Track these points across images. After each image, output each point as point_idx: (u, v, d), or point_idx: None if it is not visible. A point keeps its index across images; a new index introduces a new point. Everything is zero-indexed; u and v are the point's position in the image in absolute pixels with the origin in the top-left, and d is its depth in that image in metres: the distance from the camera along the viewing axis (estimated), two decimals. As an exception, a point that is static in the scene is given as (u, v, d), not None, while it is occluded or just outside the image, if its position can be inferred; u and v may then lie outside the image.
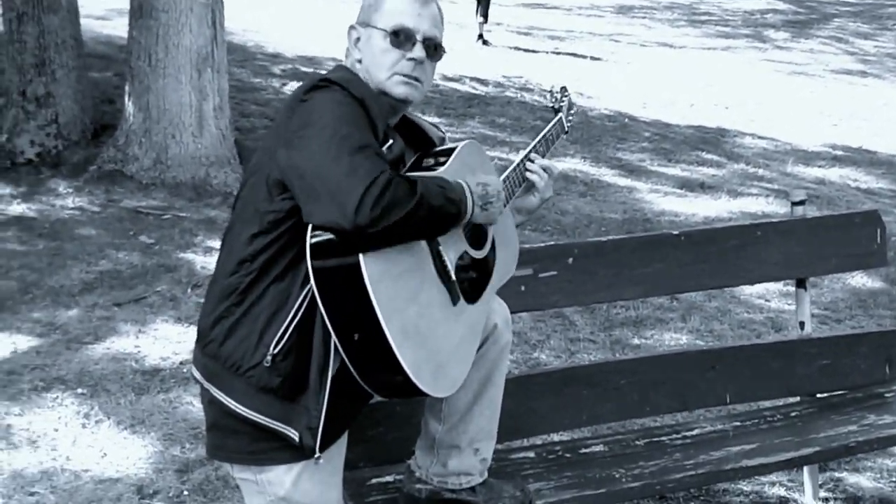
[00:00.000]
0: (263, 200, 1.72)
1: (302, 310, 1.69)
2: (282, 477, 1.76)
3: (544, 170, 2.11)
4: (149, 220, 5.61)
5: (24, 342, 4.00)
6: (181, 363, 3.83)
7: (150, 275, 4.79)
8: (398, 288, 1.66)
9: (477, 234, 1.97)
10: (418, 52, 1.84)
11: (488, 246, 1.99)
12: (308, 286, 1.67)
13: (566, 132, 2.40)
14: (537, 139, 2.22)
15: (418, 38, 1.85)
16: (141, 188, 6.10)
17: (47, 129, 6.67)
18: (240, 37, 11.27)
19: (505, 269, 2.07)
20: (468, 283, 1.89)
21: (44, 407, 3.45)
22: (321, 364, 1.69)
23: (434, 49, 1.88)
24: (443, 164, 1.87)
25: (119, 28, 8.79)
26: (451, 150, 1.94)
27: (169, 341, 4.04)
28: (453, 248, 1.85)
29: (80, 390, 3.59)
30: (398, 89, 1.84)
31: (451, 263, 1.81)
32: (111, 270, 4.83)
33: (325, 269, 1.64)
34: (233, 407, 1.72)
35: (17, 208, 5.76)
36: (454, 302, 1.83)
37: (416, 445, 2.15)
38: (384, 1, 1.87)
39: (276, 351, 1.68)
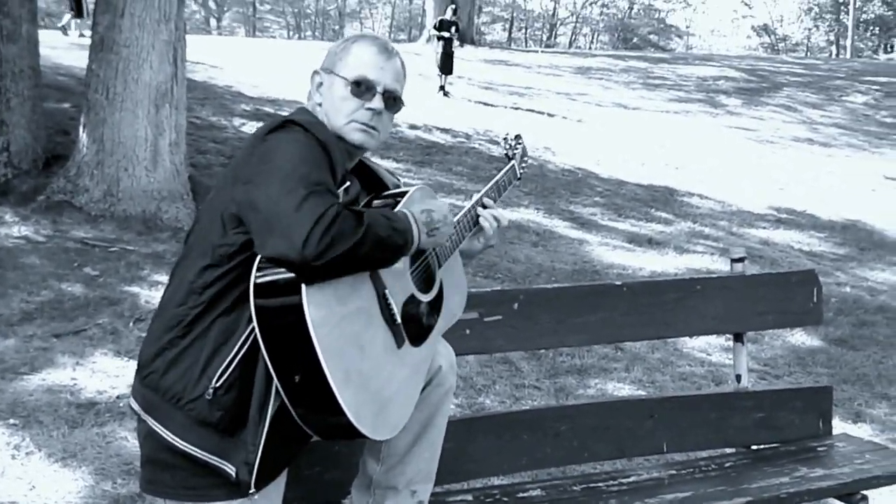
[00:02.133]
0: (217, 234, 1.73)
1: (247, 344, 1.69)
2: None
3: (495, 218, 2.15)
4: (95, 252, 5.53)
5: (-44, 370, 3.89)
6: (118, 397, 3.75)
7: (93, 307, 4.71)
8: (342, 331, 1.66)
9: (425, 278, 1.99)
10: (377, 103, 1.90)
11: (436, 289, 2.00)
12: (254, 321, 1.66)
13: (518, 179, 2.44)
14: (489, 185, 2.25)
15: (378, 90, 1.91)
16: (89, 220, 6.03)
17: (-3, 157, 6.58)
18: (201, 74, 11.30)
19: (452, 312, 2.09)
20: (414, 325, 1.89)
21: (-28, 437, 3.35)
22: (262, 399, 1.69)
23: (393, 101, 1.94)
24: (395, 205, 1.91)
25: (80, 61, 8.75)
26: (404, 192, 1.98)
27: (107, 375, 3.96)
28: (400, 291, 1.86)
29: (11, 421, 3.49)
30: (355, 136, 1.90)
31: (396, 306, 1.82)
32: (52, 301, 4.75)
33: (268, 310, 1.64)
34: (170, 439, 1.71)
35: (-40, 235, 5.65)
36: (399, 345, 1.83)
37: (352, 485, 2.14)
38: (349, 51, 1.94)
39: (218, 384, 1.68)
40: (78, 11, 12.91)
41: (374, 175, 2.06)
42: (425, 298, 1.95)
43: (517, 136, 2.49)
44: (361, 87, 1.89)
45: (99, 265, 5.31)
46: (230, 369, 1.68)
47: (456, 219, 2.07)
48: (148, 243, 5.79)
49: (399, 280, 1.84)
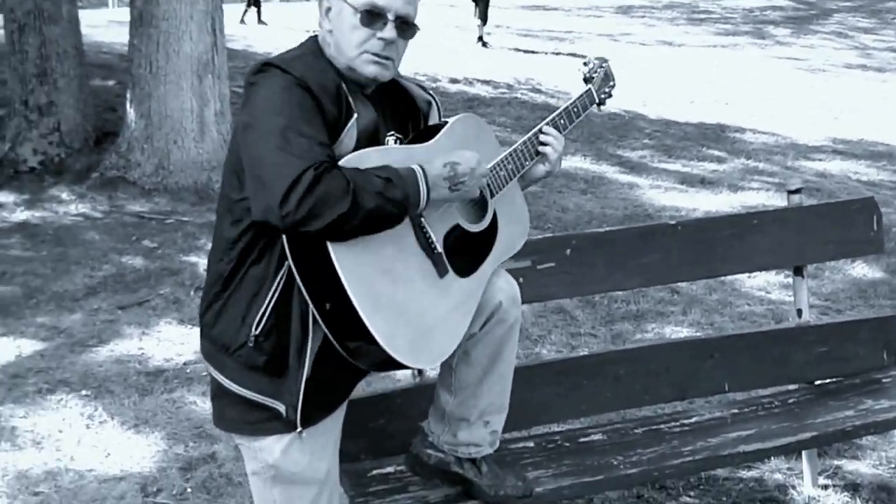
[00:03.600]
0: (234, 189, 1.76)
1: (279, 291, 1.73)
2: (272, 446, 1.82)
3: (556, 139, 2.08)
4: (151, 225, 5.65)
5: (28, 346, 4.03)
6: (184, 364, 3.85)
7: (154, 278, 4.82)
8: (367, 258, 1.67)
9: (475, 207, 1.96)
10: (389, 32, 1.79)
11: (487, 220, 1.96)
12: (283, 269, 1.71)
13: (599, 104, 2.27)
14: (559, 111, 2.15)
15: (390, 16, 1.78)
16: (143, 193, 6.15)
17: (49, 138, 6.73)
18: (239, 43, 11.34)
19: (508, 244, 2.04)
20: (460, 256, 1.87)
21: (48, 409, 3.48)
22: (299, 343, 1.74)
23: (406, 27, 1.82)
24: (432, 138, 1.86)
25: (120, 37, 8.85)
26: (439, 127, 1.90)
27: (172, 343, 4.07)
28: (441, 221, 1.84)
29: (84, 392, 3.62)
30: (368, 69, 1.80)
31: (435, 236, 1.81)
32: (114, 274, 4.87)
33: (297, 242, 1.67)
34: (226, 384, 1.81)
35: (21, 215, 5.81)
36: (441, 274, 1.82)
37: (429, 413, 2.17)
38: None
39: (257, 332, 1.74)
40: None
41: (404, 94, 1.96)
42: (474, 229, 1.93)
43: (601, 59, 2.34)
44: (372, 16, 1.77)
45: (157, 237, 5.43)
46: (266, 316, 1.74)
47: (511, 149, 2.02)
48: (202, 213, 5.89)
49: (439, 209, 1.82)
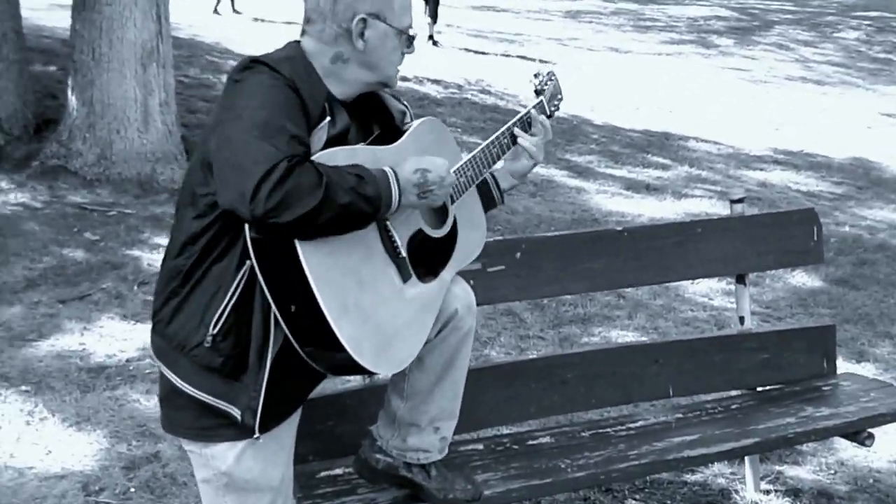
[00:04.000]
0: (200, 183, 1.73)
1: (239, 290, 1.70)
2: (225, 453, 1.79)
3: (542, 127, 2.16)
4: (94, 217, 5.51)
5: (-37, 339, 3.91)
6: (127, 361, 3.78)
7: (96, 272, 4.71)
8: (336, 261, 1.66)
9: (437, 213, 1.97)
10: (413, 47, 1.90)
11: (448, 225, 1.98)
12: (245, 267, 1.69)
13: (549, 116, 2.29)
14: (514, 119, 2.18)
15: (412, 33, 1.89)
16: (85, 184, 5.99)
17: (-13, 124, 6.51)
18: (185, 31, 11.14)
19: (467, 249, 2.06)
20: (423, 261, 1.88)
21: (-15, 404, 3.38)
22: (260, 345, 1.71)
23: None
24: (395, 140, 1.87)
25: (63, 21, 8.60)
26: (404, 131, 1.92)
27: (115, 339, 3.99)
28: (405, 226, 1.85)
29: (23, 387, 3.52)
30: (395, 80, 1.91)
31: (400, 240, 1.82)
32: (55, 267, 4.75)
33: (263, 241, 1.64)
34: (178, 384, 1.76)
35: (-44, 204, 5.62)
36: (404, 279, 1.82)
37: (379, 416, 2.16)
38: None
39: (215, 331, 1.71)
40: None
41: (378, 102, 1.98)
42: (435, 234, 1.94)
43: (550, 73, 2.39)
44: (412, 39, 1.88)
45: (99, 230, 5.30)
46: (225, 316, 1.71)
47: (470, 156, 2.03)
48: (146, 206, 5.77)
49: (403, 213, 1.82)
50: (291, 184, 1.53)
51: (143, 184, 6.10)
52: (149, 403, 3.41)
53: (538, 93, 2.32)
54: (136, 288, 4.51)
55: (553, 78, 2.38)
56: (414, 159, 1.80)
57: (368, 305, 1.72)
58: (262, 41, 11.05)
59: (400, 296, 1.81)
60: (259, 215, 1.53)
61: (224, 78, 9.06)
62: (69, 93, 6.36)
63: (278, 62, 1.73)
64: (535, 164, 2.20)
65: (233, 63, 9.68)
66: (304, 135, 1.67)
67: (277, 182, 1.52)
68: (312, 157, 1.67)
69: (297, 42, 1.86)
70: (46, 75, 7.93)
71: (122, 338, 3.99)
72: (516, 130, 2.15)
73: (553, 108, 2.34)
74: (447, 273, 1.97)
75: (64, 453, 3.09)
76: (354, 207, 1.62)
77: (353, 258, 1.70)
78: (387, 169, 1.72)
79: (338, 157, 1.70)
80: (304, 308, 1.63)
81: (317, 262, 1.61)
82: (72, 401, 3.43)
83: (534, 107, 2.25)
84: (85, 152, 6.19)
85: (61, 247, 5.01)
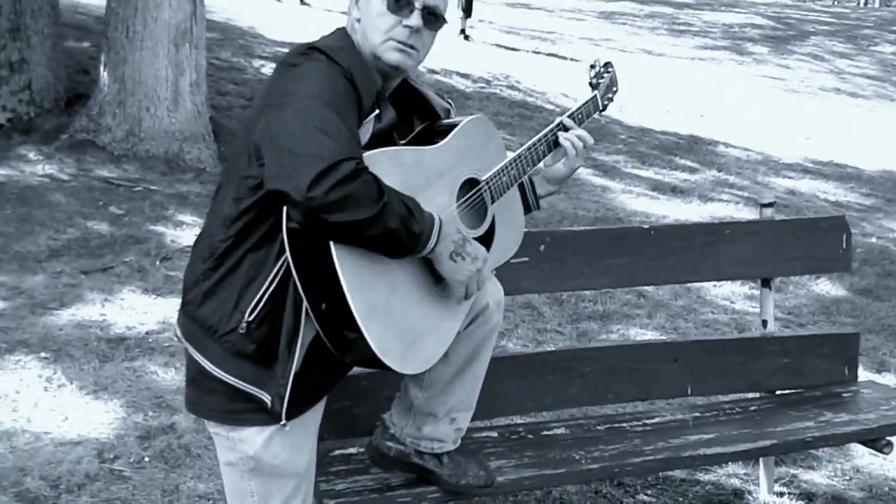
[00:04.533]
0: (244, 165, 1.70)
1: (277, 279, 1.68)
2: (253, 437, 1.77)
3: (579, 138, 2.07)
4: (119, 192, 5.55)
5: (-13, 305, 3.95)
6: (146, 333, 3.80)
7: (119, 245, 4.75)
8: (368, 262, 1.64)
9: (475, 213, 1.93)
10: (415, 20, 1.79)
11: (486, 225, 1.95)
12: (284, 256, 1.66)
13: (602, 111, 2.24)
14: (569, 112, 2.14)
15: (417, 5, 1.79)
16: (112, 159, 6.04)
17: (20, 95, 6.57)
18: (220, 15, 11.19)
19: (503, 250, 2.03)
20: None
21: (5, 369, 3.41)
22: (290, 335, 1.69)
23: (433, 17, 1.82)
24: (441, 139, 1.83)
25: (98, -1, 8.69)
26: (456, 124, 1.89)
27: (135, 311, 4.01)
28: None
29: (43, 354, 3.55)
30: (391, 55, 1.79)
31: None
32: (79, 239, 4.79)
33: (299, 237, 1.63)
34: (209, 368, 1.74)
35: (-14, 172, 5.68)
36: (437, 281, 1.80)
37: (393, 404, 2.15)
38: None
39: (250, 318, 1.69)
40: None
41: (422, 99, 1.95)
42: (473, 234, 1.91)
43: (606, 64, 2.33)
44: (398, 2, 1.77)
45: (124, 204, 5.34)
46: (262, 304, 1.68)
47: (516, 153, 2.00)
48: (171, 184, 5.80)
49: (441, 213, 1.78)
50: (354, 187, 1.51)
51: (169, 161, 6.14)
52: (166, 376, 3.43)
53: (592, 86, 2.26)
54: (158, 263, 4.54)
55: (610, 69, 2.33)
56: (459, 226, 1.80)
57: (398, 307, 1.71)
58: (296, 27, 11.09)
59: (431, 297, 1.79)
60: (315, 207, 1.50)
61: (255, 62, 9.10)
62: (101, 69, 6.41)
63: (336, 52, 1.70)
64: (572, 171, 2.12)
65: (265, 48, 9.72)
66: (357, 133, 1.65)
67: (342, 180, 1.50)
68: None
69: (344, 28, 1.84)
70: (80, 51, 7.99)
71: (142, 311, 4.02)
72: (566, 122, 2.09)
73: (607, 102, 2.28)
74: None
75: (80, 420, 3.12)
76: (397, 236, 1.61)
77: (387, 261, 1.68)
78: (436, 216, 1.70)
79: (381, 160, 1.67)
80: (334, 307, 1.62)
81: (350, 263, 1.60)
82: (90, 370, 3.46)
83: (587, 102, 2.19)
84: (114, 128, 6.23)
85: (86, 219, 5.05)
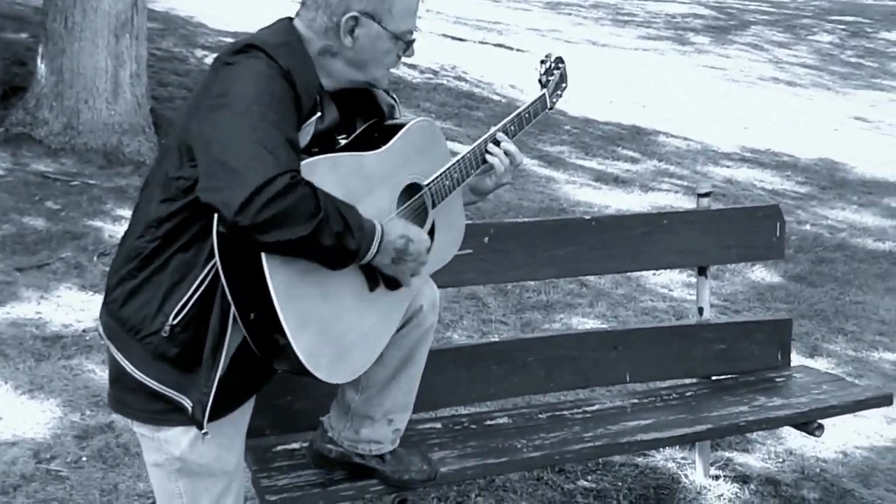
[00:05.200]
0: (174, 165, 1.66)
1: (205, 284, 1.64)
2: (179, 437, 1.74)
3: (506, 154, 2.02)
4: (56, 186, 5.43)
5: (-83, 304, 3.84)
6: (84, 331, 3.73)
7: (55, 241, 4.65)
8: (300, 273, 1.60)
9: (415, 217, 1.89)
10: (411, 52, 1.82)
11: (426, 230, 1.91)
12: (213, 261, 1.61)
13: (550, 109, 2.22)
14: (510, 117, 2.09)
15: (412, 38, 1.82)
16: (49, 153, 5.89)
17: (-48, 88, 6.38)
18: (161, 4, 10.98)
19: (442, 253, 2.01)
20: None
21: (-63, 369, 3.33)
22: (216, 341, 1.65)
23: None
24: (384, 141, 1.80)
25: (33, -12, 8.46)
26: (401, 126, 1.86)
27: (72, 308, 3.94)
28: None
29: (-24, 354, 3.47)
30: (385, 83, 1.84)
31: None
32: (14, 235, 4.67)
33: (229, 245, 1.58)
34: (129, 369, 1.70)
35: (-84, 167, 5.50)
36: (371, 288, 1.78)
37: (331, 406, 2.15)
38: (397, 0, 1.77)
39: (175, 322, 1.65)
40: None
41: (365, 94, 1.90)
42: None
43: (558, 59, 2.29)
44: (409, 45, 1.80)
45: (60, 199, 5.22)
46: (187, 307, 1.65)
47: (459, 156, 1.97)
48: (110, 177, 5.69)
49: (382, 219, 1.75)
50: (288, 203, 1.47)
51: (108, 155, 6.01)
52: (103, 374, 3.37)
53: (542, 84, 2.22)
54: (95, 259, 4.46)
55: (561, 65, 2.29)
56: (403, 224, 1.76)
57: (330, 317, 1.68)
58: (239, 18, 10.93)
59: (364, 305, 1.77)
60: (244, 227, 1.47)
61: (197, 52, 8.96)
62: (38, 60, 6.24)
63: (276, 49, 1.64)
64: (498, 186, 2.07)
65: (208, 37, 9.57)
66: (296, 137, 1.61)
67: (275, 196, 1.46)
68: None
69: (290, 21, 1.78)
70: (17, 42, 7.77)
71: (79, 308, 3.94)
72: (499, 136, 2.05)
73: (556, 99, 2.26)
74: (417, 279, 1.90)
75: (16, 420, 3.06)
76: (331, 252, 1.58)
77: (321, 270, 1.64)
78: (378, 225, 1.67)
79: (320, 168, 1.62)
80: (263, 317, 1.58)
81: (282, 274, 1.57)
82: (25, 369, 3.39)
83: (535, 101, 2.17)
84: (51, 121, 6.08)
85: (21, 215, 4.93)
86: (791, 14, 21.20)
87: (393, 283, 1.83)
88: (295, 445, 2.38)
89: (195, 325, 1.65)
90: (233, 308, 1.62)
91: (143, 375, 1.68)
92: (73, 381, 3.34)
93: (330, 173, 1.65)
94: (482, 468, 2.42)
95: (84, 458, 2.87)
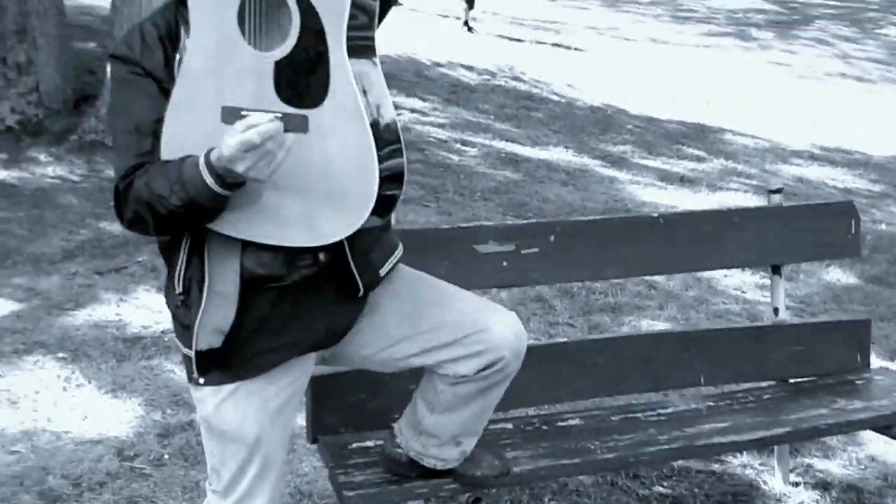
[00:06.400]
0: None
1: (187, 249, 1.76)
2: (208, 398, 1.84)
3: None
4: (131, 192, 5.59)
5: (4, 307, 3.99)
6: (162, 332, 3.84)
7: (131, 245, 4.78)
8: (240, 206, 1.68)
9: (275, 25, 1.59)
10: None
11: (293, 37, 1.58)
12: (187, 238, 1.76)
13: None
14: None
15: None
16: (123, 160, 6.07)
17: (28, 97, 6.61)
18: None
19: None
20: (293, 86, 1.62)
21: (24, 369, 3.46)
22: (199, 283, 1.76)
23: None
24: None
25: (102, 0, 8.70)
26: None
27: (150, 310, 4.05)
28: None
29: (60, 354, 3.59)
30: None
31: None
32: (92, 239, 4.82)
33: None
34: (177, 342, 1.89)
35: (-2, 175, 5.72)
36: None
37: (403, 414, 2.16)
38: None
39: (180, 290, 1.79)
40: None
41: None
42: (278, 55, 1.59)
43: None
44: None
45: (135, 204, 5.37)
46: (182, 275, 1.78)
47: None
48: (181, 182, 5.83)
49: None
50: (130, 208, 1.68)
51: (179, 161, 6.16)
52: (182, 374, 3.47)
53: None
54: (171, 262, 4.57)
55: None
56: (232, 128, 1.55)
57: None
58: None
59: (296, 183, 1.65)
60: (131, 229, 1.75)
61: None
62: (108, 69, 6.43)
63: (124, 45, 1.70)
64: None
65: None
66: (149, 115, 1.66)
67: (121, 204, 1.70)
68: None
69: None
70: (86, 52, 8.02)
71: (157, 309, 4.05)
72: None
73: None
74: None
75: (99, 419, 3.16)
76: (178, 216, 1.64)
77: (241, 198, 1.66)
78: (198, 159, 1.58)
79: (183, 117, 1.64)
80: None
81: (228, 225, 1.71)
82: (108, 369, 3.50)
83: None
84: (123, 128, 6.26)
85: (98, 220, 5.09)
86: (856, 8, 20.63)
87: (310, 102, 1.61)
88: (369, 443, 2.40)
89: (189, 279, 1.78)
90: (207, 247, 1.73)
91: (180, 344, 1.86)
92: (154, 380, 3.44)
93: (187, 115, 1.63)
94: (555, 469, 2.41)
95: (166, 456, 2.95)
